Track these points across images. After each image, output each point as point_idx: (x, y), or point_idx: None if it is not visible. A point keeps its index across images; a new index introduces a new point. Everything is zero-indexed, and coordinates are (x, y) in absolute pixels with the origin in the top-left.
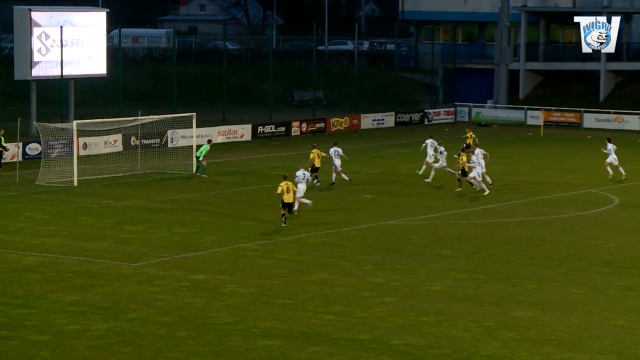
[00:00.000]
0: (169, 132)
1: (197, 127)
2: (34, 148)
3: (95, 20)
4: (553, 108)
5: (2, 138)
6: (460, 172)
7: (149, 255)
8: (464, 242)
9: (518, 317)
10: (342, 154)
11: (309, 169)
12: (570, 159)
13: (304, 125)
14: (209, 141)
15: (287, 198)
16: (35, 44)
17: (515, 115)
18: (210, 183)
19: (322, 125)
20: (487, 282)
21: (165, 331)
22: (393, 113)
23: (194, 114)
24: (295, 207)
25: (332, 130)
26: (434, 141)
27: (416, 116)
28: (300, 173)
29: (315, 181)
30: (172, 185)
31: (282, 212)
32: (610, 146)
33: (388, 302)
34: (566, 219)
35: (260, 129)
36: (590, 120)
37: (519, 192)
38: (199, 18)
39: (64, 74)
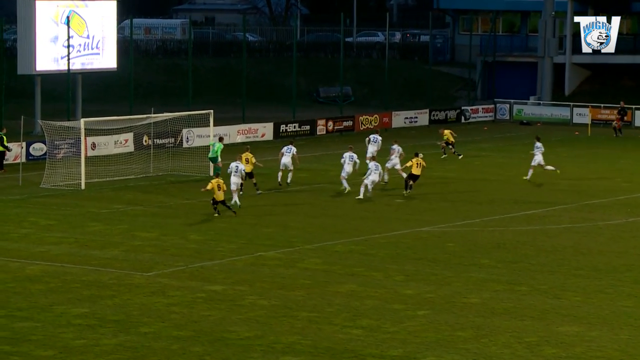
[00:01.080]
0: (184, 131)
1: (214, 125)
2: (38, 148)
3: (105, 10)
4: (602, 105)
5: (4, 137)
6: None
7: (162, 265)
8: (504, 251)
9: (562, 332)
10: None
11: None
12: (620, 160)
13: (330, 123)
14: (221, 138)
15: (218, 196)
16: (40, 35)
17: (560, 112)
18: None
19: (349, 123)
20: (528, 294)
21: (179, 346)
22: (427, 110)
23: (211, 111)
24: (236, 201)
25: (361, 129)
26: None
27: (452, 114)
28: (233, 165)
29: (257, 192)
30: (187, 188)
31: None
32: (538, 144)
33: (421, 315)
34: (615, 225)
35: (282, 127)
36: None
37: (564, 196)
38: (216, 7)
39: (70, 68)
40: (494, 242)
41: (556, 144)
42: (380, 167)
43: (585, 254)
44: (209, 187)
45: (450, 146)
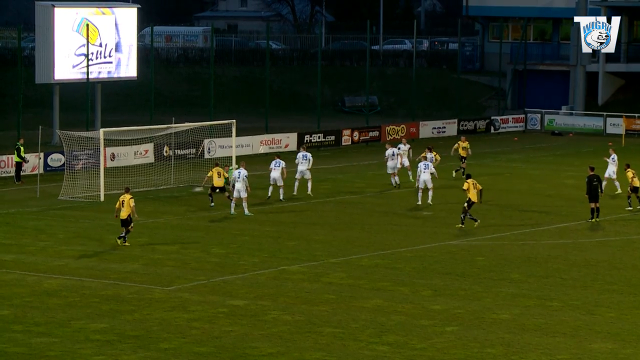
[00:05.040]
0: (206, 141)
1: (237, 135)
2: (56, 159)
3: (126, 18)
4: (636, 115)
5: (22, 148)
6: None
7: (182, 279)
8: (535, 265)
9: (595, 349)
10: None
11: (209, 189)
12: None
13: (356, 133)
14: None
15: (217, 182)
16: (59, 43)
17: (593, 122)
18: (250, 198)
19: (376, 133)
20: (560, 310)
21: None
22: (455, 120)
23: (234, 121)
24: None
25: (387, 139)
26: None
27: (481, 124)
28: (236, 172)
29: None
30: (209, 200)
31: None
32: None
33: (449, 331)
34: None
35: (307, 137)
36: None
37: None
38: (239, 15)
39: (90, 77)
40: (524, 256)
41: (589, 154)
42: (431, 166)
43: (620, 269)
44: (209, 174)
45: (462, 161)
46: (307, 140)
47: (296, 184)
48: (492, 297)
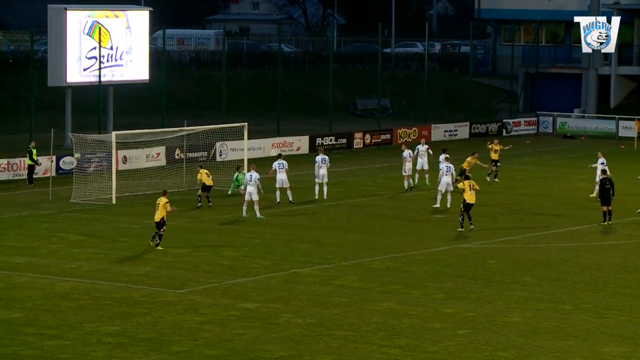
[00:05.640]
0: (218, 144)
1: (248, 138)
2: (68, 162)
3: (137, 20)
4: None
5: (34, 151)
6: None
7: (194, 281)
8: (547, 268)
9: (607, 352)
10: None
11: (199, 189)
12: None
13: (368, 136)
14: (239, 167)
15: (208, 181)
16: (71, 46)
17: (605, 126)
18: (262, 201)
19: (387, 136)
20: (572, 313)
21: None
22: (467, 123)
23: (246, 124)
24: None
25: (399, 142)
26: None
27: (493, 127)
28: (247, 175)
29: (209, 203)
30: (220, 203)
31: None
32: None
33: (461, 335)
34: None
35: (318, 140)
36: None
37: None
38: (251, 17)
39: (102, 80)
40: (536, 259)
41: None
42: (452, 168)
43: (632, 272)
44: (199, 176)
45: (494, 165)
46: (319, 143)
47: (316, 188)
48: (503, 300)
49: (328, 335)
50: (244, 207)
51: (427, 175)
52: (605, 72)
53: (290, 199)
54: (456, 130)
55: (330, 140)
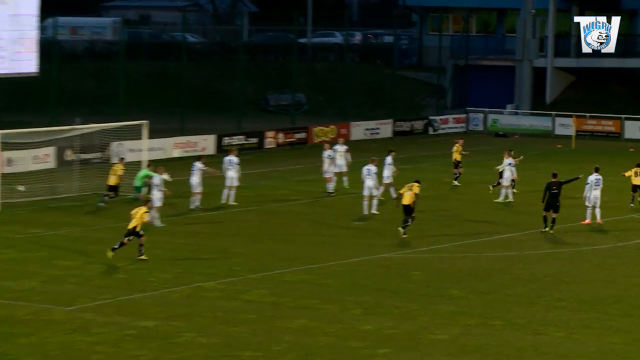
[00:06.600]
0: (114, 144)
1: (149, 138)
2: None
3: (25, 7)
4: (587, 115)
5: None
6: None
7: (85, 297)
8: (476, 280)
9: None
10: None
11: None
12: (608, 177)
13: (281, 135)
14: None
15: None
16: None
17: (540, 123)
18: (164, 207)
19: (302, 135)
20: (504, 329)
21: None
22: (390, 121)
23: (146, 122)
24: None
25: (316, 141)
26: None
27: (419, 124)
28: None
29: (104, 201)
30: (116, 210)
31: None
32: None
33: (382, 354)
34: (603, 250)
35: (226, 140)
36: (633, 129)
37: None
38: (152, 4)
39: None
40: (465, 270)
41: (536, 158)
42: (373, 171)
43: (569, 283)
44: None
45: (458, 167)
46: (227, 143)
47: (225, 192)
48: (429, 316)
49: (234, 356)
50: (155, 215)
51: (345, 178)
52: (540, 65)
53: (196, 205)
54: (378, 129)
55: (240, 140)
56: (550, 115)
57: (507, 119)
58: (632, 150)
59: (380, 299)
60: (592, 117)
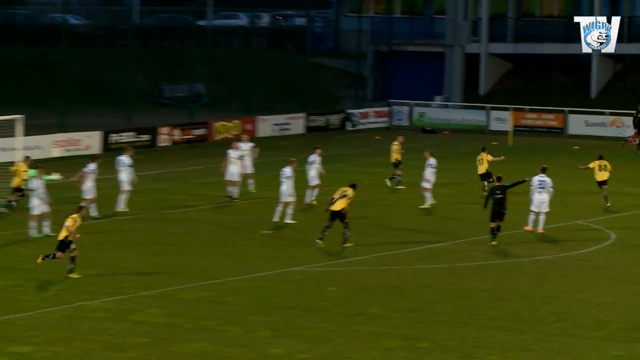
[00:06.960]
0: None
1: (24, 135)
2: None
3: None
4: (527, 107)
5: None
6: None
7: None
8: (401, 296)
9: None
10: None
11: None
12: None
13: (177, 132)
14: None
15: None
16: None
17: (473, 117)
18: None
19: (202, 132)
20: (431, 352)
21: None
22: (303, 115)
23: (21, 116)
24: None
25: (217, 138)
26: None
27: (335, 119)
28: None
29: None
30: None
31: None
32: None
33: None
34: (543, 262)
35: (113, 137)
36: (578, 124)
37: (478, 226)
38: None
39: None
40: (388, 285)
41: (467, 157)
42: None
43: (505, 300)
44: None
45: (397, 167)
46: (115, 141)
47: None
48: (346, 338)
49: None
50: (33, 224)
51: (250, 181)
52: (473, 51)
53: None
54: (289, 124)
55: (129, 137)
56: (484, 108)
57: (435, 113)
58: (576, 147)
59: (291, 319)
60: (531, 111)
